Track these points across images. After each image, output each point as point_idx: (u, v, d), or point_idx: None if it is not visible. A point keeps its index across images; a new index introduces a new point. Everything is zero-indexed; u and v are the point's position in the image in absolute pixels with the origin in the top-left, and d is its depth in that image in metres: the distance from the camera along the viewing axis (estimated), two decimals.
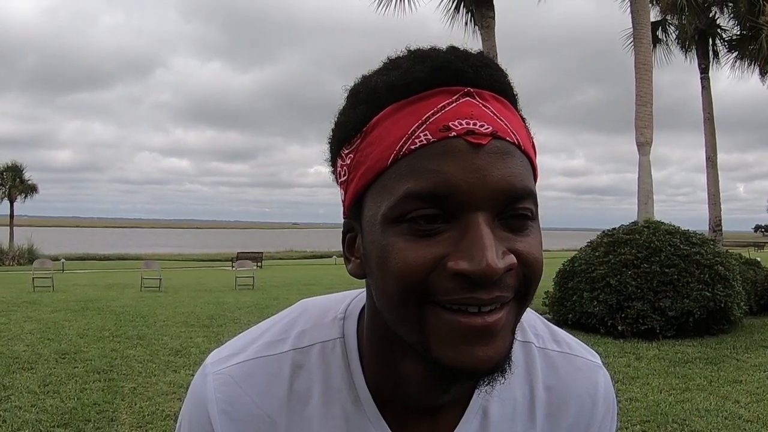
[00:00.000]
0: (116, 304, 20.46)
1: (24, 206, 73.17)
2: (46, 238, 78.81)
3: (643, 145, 17.17)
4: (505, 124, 0.93)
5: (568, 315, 14.45)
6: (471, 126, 0.91)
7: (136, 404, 8.54)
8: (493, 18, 17.59)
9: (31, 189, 71.72)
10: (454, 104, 0.93)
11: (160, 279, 28.22)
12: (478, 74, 0.95)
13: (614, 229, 15.05)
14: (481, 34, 17.75)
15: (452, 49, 0.99)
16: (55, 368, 10.61)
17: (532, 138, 1.00)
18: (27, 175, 71.71)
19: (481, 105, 0.94)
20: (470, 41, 19.72)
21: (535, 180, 0.96)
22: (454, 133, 0.91)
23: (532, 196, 0.93)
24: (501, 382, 0.98)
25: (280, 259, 69.67)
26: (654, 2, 23.46)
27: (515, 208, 0.92)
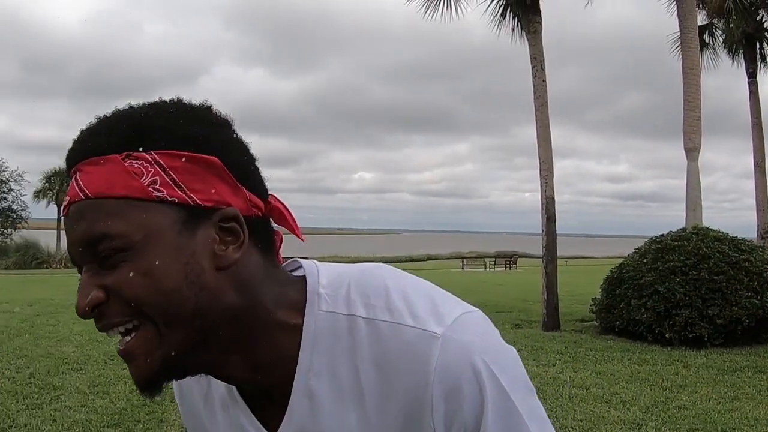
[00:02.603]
0: None
1: None
2: None
3: (692, 151, 17.01)
4: (79, 188, 1.10)
5: (616, 322, 14.37)
6: (65, 203, 1.14)
7: None
8: (540, 23, 17.51)
9: None
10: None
11: None
12: (76, 150, 1.14)
13: (662, 235, 14.90)
14: (528, 39, 17.66)
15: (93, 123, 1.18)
16: (104, 369, 10.71)
17: (128, 165, 1.09)
18: None
19: (73, 181, 1.13)
20: (517, 47, 19.64)
21: (160, 184, 1.09)
22: (63, 213, 1.15)
23: (106, 237, 1.07)
24: (157, 397, 1.17)
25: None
26: (701, 6, 23.25)
27: (99, 252, 1.08)
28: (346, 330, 1.17)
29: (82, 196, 1.09)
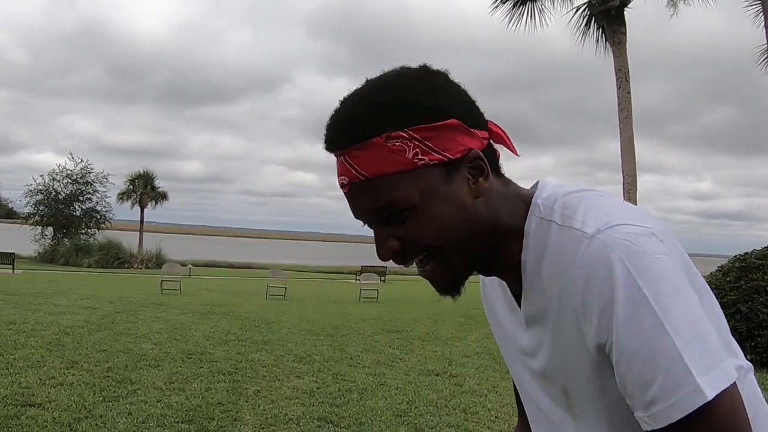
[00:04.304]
0: (242, 310, 20.86)
1: (153, 213, 75.16)
2: (173, 244, 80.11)
3: None
4: (356, 171, 1.40)
5: None
6: (341, 181, 1.44)
7: (259, 406, 8.63)
8: (625, 34, 17.33)
9: (161, 196, 73.58)
10: (337, 165, 1.45)
11: (285, 288, 28.68)
12: (334, 142, 1.44)
13: (746, 253, 14.55)
14: (613, 50, 17.49)
15: (334, 112, 1.47)
16: (180, 367, 10.84)
17: (391, 146, 1.38)
18: (157, 183, 73.54)
19: (343, 161, 1.42)
20: (600, 59, 19.48)
21: (441, 148, 1.40)
22: (340, 188, 1.46)
23: (391, 201, 1.39)
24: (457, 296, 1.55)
25: (403, 274, 69.64)
26: None
27: (386, 214, 1.41)
28: (547, 231, 1.46)
29: (362, 178, 1.39)
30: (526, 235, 1.50)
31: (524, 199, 1.53)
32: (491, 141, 1.51)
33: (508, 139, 1.55)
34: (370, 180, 1.38)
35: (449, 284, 1.51)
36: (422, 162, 1.38)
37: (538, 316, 1.52)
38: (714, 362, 1.25)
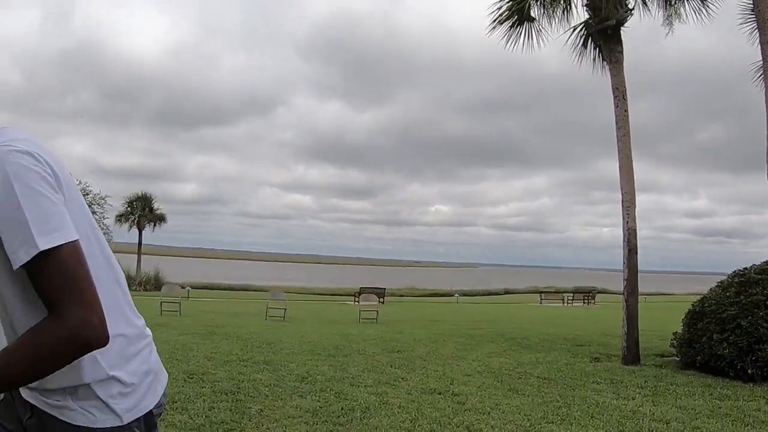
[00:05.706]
0: (243, 331, 20.79)
1: (151, 235, 74.98)
2: (171, 266, 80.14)
3: None
4: None
5: (697, 357, 14.06)
6: None
7: (263, 425, 8.62)
8: (622, 53, 17.39)
9: (159, 218, 73.67)
10: None
11: (285, 309, 28.67)
12: None
13: (746, 268, 14.60)
14: (610, 69, 17.53)
15: None
16: (183, 387, 10.82)
17: None
18: (155, 205, 73.61)
19: None
20: (594, 79, 19.52)
21: None
22: None
23: None
24: None
25: (401, 296, 69.55)
26: None
27: None
28: None
29: None
30: None
31: None
32: None
33: None
34: None
35: None
36: None
37: None
38: (52, 230, 1.94)
